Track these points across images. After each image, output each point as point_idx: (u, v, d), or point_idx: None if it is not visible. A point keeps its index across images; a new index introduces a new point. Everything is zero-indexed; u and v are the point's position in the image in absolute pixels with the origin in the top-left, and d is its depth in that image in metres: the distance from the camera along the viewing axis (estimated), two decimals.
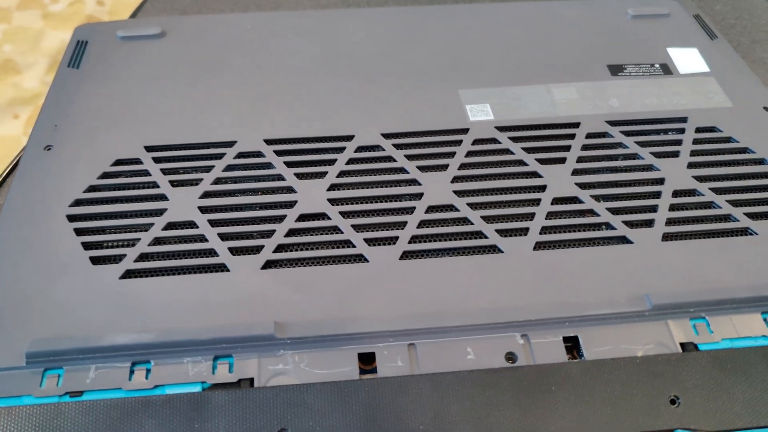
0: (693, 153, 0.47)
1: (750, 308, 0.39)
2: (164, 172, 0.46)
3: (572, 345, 0.38)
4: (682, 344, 0.37)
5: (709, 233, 0.43)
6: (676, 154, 0.47)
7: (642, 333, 0.38)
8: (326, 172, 0.45)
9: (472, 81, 0.52)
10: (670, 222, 0.43)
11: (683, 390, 0.35)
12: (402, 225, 0.43)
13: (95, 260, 0.41)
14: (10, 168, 0.55)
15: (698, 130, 0.49)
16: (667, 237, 0.42)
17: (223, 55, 0.54)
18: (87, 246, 0.41)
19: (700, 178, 0.45)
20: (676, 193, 0.45)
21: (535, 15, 0.59)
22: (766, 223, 0.43)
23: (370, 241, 0.42)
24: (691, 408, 0.35)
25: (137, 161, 0.46)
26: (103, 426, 0.33)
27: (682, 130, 0.49)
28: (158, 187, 0.45)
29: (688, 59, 0.54)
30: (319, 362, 0.36)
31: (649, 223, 0.43)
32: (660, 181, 0.45)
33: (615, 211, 0.44)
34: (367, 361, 0.37)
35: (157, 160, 0.46)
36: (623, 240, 0.42)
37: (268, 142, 0.47)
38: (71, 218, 0.43)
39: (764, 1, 0.66)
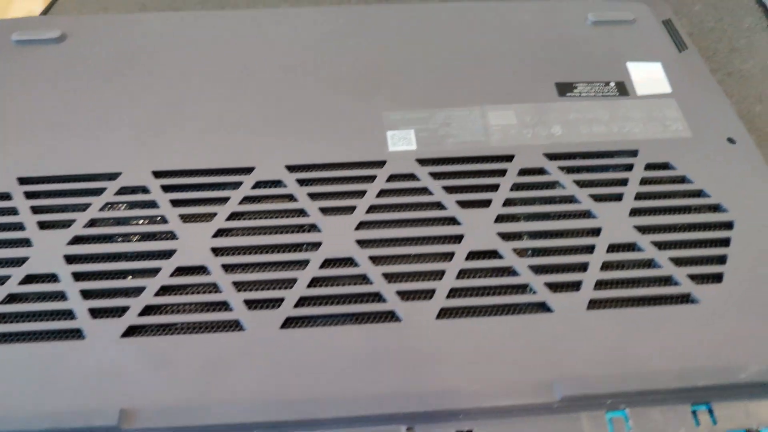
0: (638, 196, 0.41)
1: (679, 399, 0.33)
2: (34, 210, 0.40)
3: None
4: None
5: (644, 300, 0.37)
6: (618, 197, 0.41)
7: (550, 430, 0.32)
8: (215, 214, 0.40)
9: (398, 100, 0.46)
10: (599, 285, 0.37)
11: None
12: (290, 283, 0.37)
13: None
14: None
15: (648, 166, 0.42)
16: (593, 304, 0.36)
17: (122, 65, 0.49)
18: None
19: (642, 229, 0.39)
20: (612, 248, 0.39)
21: (482, 18, 0.52)
22: (711, 289, 0.37)
23: (249, 303, 0.36)
24: None
25: (7, 196, 0.41)
26: None
27: (629, 167, 0.42)
28: (24, 229, 0.39)
29: (648, 76, 0.47)
30: None
31: (575, 286, 0.37)
32: (596, 232, 0.39)
33: (538, 270, 0.38)
34: None
35: (30, 195, 0.41)
36: (542, 307, 0.37)
37: (157, 174, 0.42)
38: None
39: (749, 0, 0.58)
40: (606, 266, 0.38)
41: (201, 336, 0.35)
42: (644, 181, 0.42)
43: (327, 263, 0.38)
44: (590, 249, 0.39)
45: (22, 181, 0.42)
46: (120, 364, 0.34)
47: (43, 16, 0.59)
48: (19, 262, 0.38)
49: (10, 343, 0.35)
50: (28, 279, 0.38)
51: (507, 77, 0.47)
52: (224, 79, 0.47)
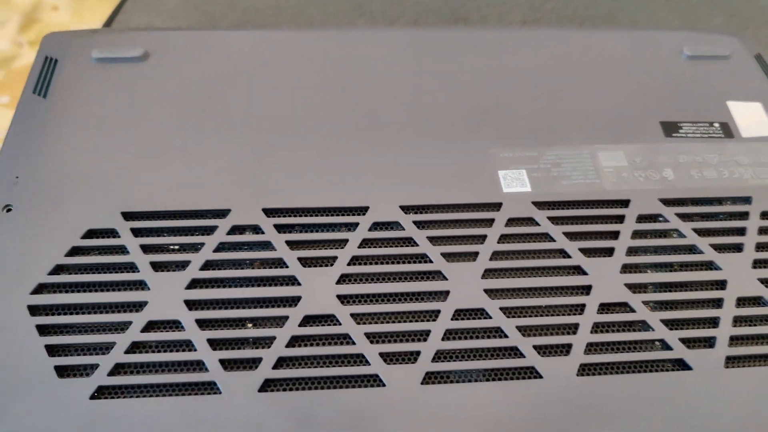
0: (759, 246, 0.41)
1: None
2: (144, 249, 0.39)
3: None
4: None
5: None
6: (739, 248, 0.40)
7: None
8: (335, 258, 0.39)
9: (504, 137, 0.45)
10: (734, 341, 0.37)
11: None
12: (425, 335, 0.36)
13: (61, 371, 0.34)
14: None
15: (764, 215, 0.42)
16: (730, 361, 0.36)
17: (217, 89, 0.47)
18: (52, 350, 0.35)
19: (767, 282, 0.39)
20: (741, 302, 0.38)
21: (577, 48, 0.51)
22: None
23: (386, 357, 0.36)
24: None
25: (113, 233, 0.39)
26: None
27: (745, 215, 0.42)
28: (137, 270, 0.38)
29: (750, 117, 0.47)
30: None
31: (709, 342, 0.37)
32: (722, 284, 0.39)
33: (670, 324, 0.38)
34: None
35: (136, 232, 0.39)
36: (680, 364, 0.36)
37: (268, 212, 0.40)
38: (33, 310, 0.36)
39: None
40: (737, 321, 0.38)
41: (340, 392, 0.34)
42: (762, 231, 0.41)
43: (458, 314, 0.37)
44: (718, 303, 0.38)
45: (127, 216, 0.40)
46: (262, 421, 0.33)
47: (119, 30, 0.57)
48: (138, 306, 0.37)
49: (142, 397, 0.34)
50: (150, 326, 0.36)
51: (612, 114, 0.47)
52: (326, 106, 0.46)
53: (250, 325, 0.37)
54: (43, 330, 0.36)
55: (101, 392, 0.34)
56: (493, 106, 0.47)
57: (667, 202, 0.42)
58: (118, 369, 0.35)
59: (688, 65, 0.50)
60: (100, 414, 0.33)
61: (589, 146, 0.45)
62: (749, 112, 0.47)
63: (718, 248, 0.40)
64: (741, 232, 0.41)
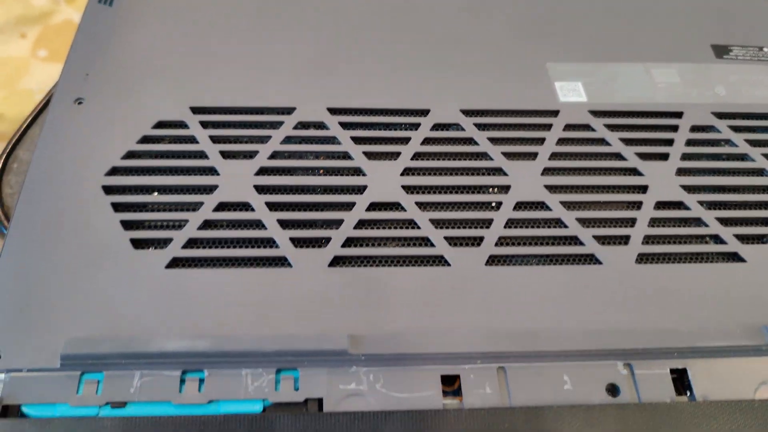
0: None
1: None
2: (213, 140, 0.40)
3: (678, 377, 0.33)
4: None
5: None
6: None
7: (759, 370, 0.33)
8: (399, 153, 0.40)
9: (561, 52, 0.46)
10: None
11: None
12: (487, 223, 0.37)
13: (137, 244, 0.35)
14: (32, 117, 0.49)
15: None
16: None
17: None
18: (127, 225, 0.36)
19: None
20: None
21: None
22: None
23: (451, 240, 0.37)
24: None
25: (182, 125, 0.40)
26: None
27: None
28: (207, 158, 0.39)
29: None
30: (396, 383, 0.32)
31: (761, 239, 0.38)
32: None
33: (724, 222, 0.38)
34: (450, 381, 0.32)
35: (205, 124, 0.40)
36: (734, 257, 0.37)
37: (332, 111, 0.41)
38: (107, 190, 0.37)
39: None
40: None
41: (408, 269, 0.36)
42: None
43: (519, 206, 0.38)
44: (766, 205, 0.39)
45: (196, 110, 0.41)
46: (334, 292, 0.34)
47: None
48: (209, 189, 0.38)
49: (217, 267, 0.35)
50: (221, 206, 0.37)
51: (665, 35, 0.48)
52: (391, 13, 0.47)
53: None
54: (117, 207, 0.37)
55: (176, 263, 0.35)
56: (551, 21, 0.48)
57: (721, 115, 0.43)
58: (191, 243, 0.36)
59: None
60: (176, 282, 0.34)
61: (643, 63, 0.46)
62: None
63: None
64: None
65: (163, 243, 0.36)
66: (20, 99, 0.56)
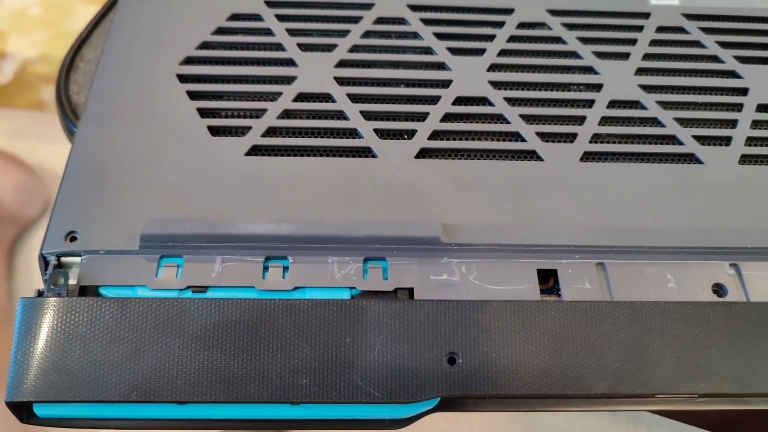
0: None
1: None
2: (290, 33, 0.38)
3: None
4: None
5: None
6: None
7: None
8: (484, 50, 0.38)
9: None
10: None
11: None
12: (581, 120, 0.35)
13: (214, 131, 0.34)
14: (99, 17, 0.47)
15: None
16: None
17: None
18: (204, 113, 0.35)
19: None
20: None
21: None
22: None
23: (543, 136, 0.35)
24: None
25: (257, 17, 0.39)
26: (236, 331, 0.27)
27: None
28: (284, 50, 0.37)
29: None
30: (491, 276, 0.30)
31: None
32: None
33: None
34: (544, 279, 0.31)
35: (280, 18, 0.39)
36: None
37: (413, 8, 0.39)
38: (182, 78, 0.36)
39: None
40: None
41: (498, 162, 0.34)
42: None
43: (612, 104, 0.36)
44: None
45: (270, 4, 0.39)
46: (421, 182, 0.33)
47: None
48: (288, 80, 0.36)
49: (299, 156, 0.33)
50: (301, 97, 0.35)
51: None
52: None
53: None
54: (193, 96, 0.35)
55: (256, 150, 0.34)
56: None
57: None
58: (271, 132, 0.34)
59: None
60: (255, 169, 0.33)
61: None
62: None
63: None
64: None
65: (241, 131, 0.34)
66: (65, 40, 0.55)
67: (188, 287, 0.29)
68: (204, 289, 0.29)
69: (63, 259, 0.29)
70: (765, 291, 0.30)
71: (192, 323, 0.27)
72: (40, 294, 0.28)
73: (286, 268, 0.30)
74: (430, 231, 0.30)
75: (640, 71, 0.38)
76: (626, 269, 0.31)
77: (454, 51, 0.38)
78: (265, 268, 0.30)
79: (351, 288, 0.29)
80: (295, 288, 0.29)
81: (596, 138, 0.35)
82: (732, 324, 0.29)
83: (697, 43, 0.39)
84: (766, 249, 0.31)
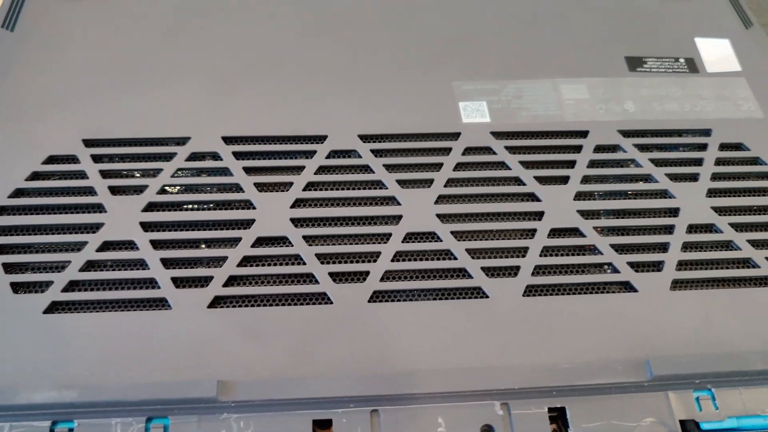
0: (714, 177, 0.41)
1: (763, 381, 0.34)
2: (104, 174, 0.39)
3: (557, 415, 0.33)
4: (682, 422, 0.33)
5: (724, 281, 0.37)
6: (695, 178, 0.41)
7: (638, 407, 0.33)
8: (291, 183, 0.39)
9: (467, 70, 0.45)
10: (681, 265, 0.37)
11: None
12: (374, 256, 0.37)
13: (17, 287, 0.35)
14: None
15: (722, 147, 0.42)
16: (676, 284, 0.37)
17: (182, 20, 0.47)
18: (8, 268, 0.36)
19: (720, 210, 0.40)
20: (692, 228, 0.39)
21: None
22: None
23: (335, 276, 0.36)
24: None
25: (73, 159, 0.40)
26: None
27: (704, 146, 0.42)
28: (95, 194, 0.38)
29: (717, 54, 0.46)
30: (267, 429, 0.32)
31: (657, 266, 0.37)
32: (674, 212, 0.39)
33: (620, 249, 0.38)
34: (322, 424, 0.32)
35: (96, 158, 0.40)
36: (627, 287, 0.37)
37: (227, 140, 0.41)
38: None
39: None
40: (685, 246, 0.38)
41: (288, 308, 0.35)
42: (719, 162, 0.42)
43: (409, 237, 0.38)
44: (669, 229, 0.39)
45: (88, 143, 0.41)
46: (210, 335, 0.34)
47: None
48: (94, 228, 0.37)
49: (95, 312, 0.35)
50: (105, 245, 0.37)
51: (576, 49, 0.47)
52: (292, 39, 0.46)
53: (203, 246, 0.37)
54: (0, 250, 0.36)
55: (55, 307, 0.35)
56: (458, 39, 0.47)
57: (626, 133, 0.42)
58: (72, 286, 0.36)
59: (658, 3, 0.50)
60: (53, 327, 0.34)
61: (552, 79, 0.45)
62: (716, 48, 0.47)
63: (674, 178, 0.41)
64: (698, 163, 0.41)
65: (43, 287, 0.35)
66: None
67: None
68: None
69: None
70: (530, 429, 0.32)
71: None
72: None
73: (71, 431, 0.31)
74: (206, 391, 0.31)
75: (441, 198, 0.39)
76: (399, 415, 0.32)
77: (261, 187, 0.39)
78: None
79: None
80: None
81: (388, 275, 0.36)
82: None
83: (501, 164, 0.41)
84: (535, 388, 0.33)
